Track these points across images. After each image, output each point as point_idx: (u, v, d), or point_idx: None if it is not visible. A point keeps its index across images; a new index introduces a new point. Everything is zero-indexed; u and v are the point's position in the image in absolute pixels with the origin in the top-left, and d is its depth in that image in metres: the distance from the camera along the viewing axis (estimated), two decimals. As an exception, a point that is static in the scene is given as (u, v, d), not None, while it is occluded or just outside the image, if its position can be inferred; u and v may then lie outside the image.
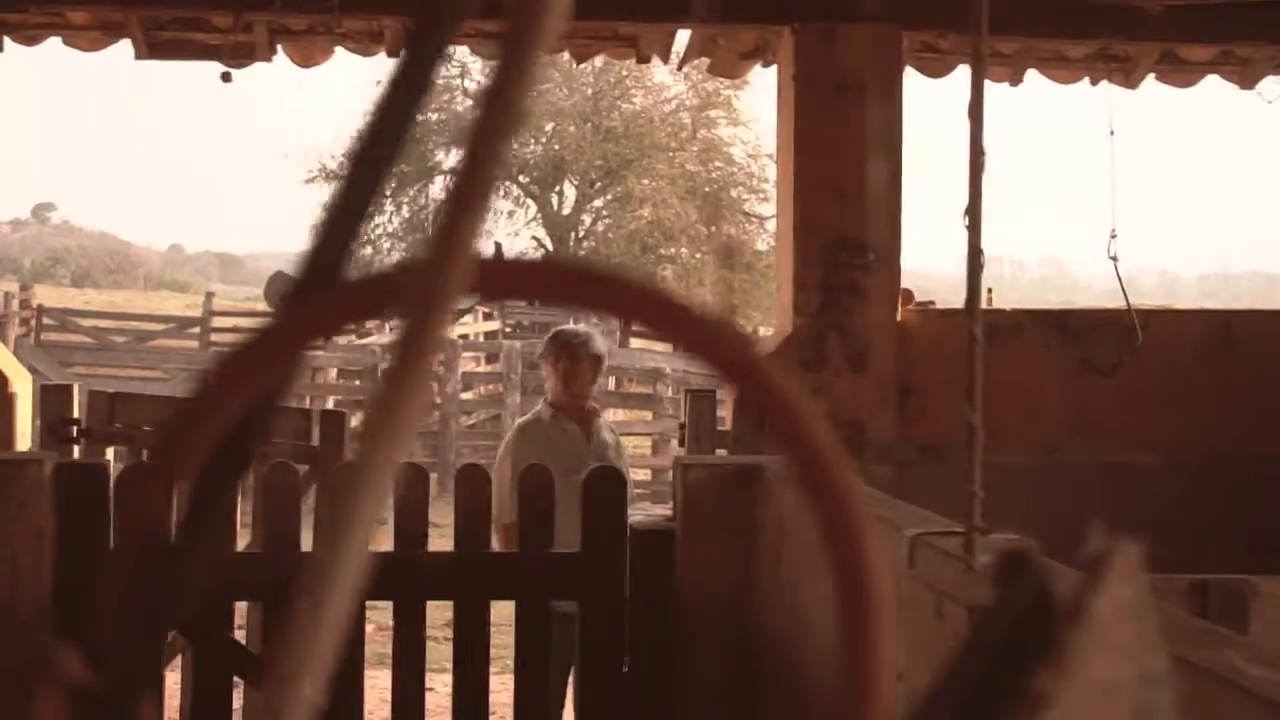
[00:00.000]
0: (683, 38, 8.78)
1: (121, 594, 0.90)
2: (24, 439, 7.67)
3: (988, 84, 9.10)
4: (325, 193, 42.34)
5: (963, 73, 9.09)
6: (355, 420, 7.95)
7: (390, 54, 8.66)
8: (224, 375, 0.85)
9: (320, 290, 0.85)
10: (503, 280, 0.85)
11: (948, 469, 7.69)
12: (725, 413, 8.36)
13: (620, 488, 5.57)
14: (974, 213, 3.14)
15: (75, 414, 7.68)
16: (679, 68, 9.84)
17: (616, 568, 5.45)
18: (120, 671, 0.90)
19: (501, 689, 6.38)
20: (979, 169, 3.14)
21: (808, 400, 0.88)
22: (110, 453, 7.74)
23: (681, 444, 8.08)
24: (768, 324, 40.86)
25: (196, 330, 38.16)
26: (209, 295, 42.79)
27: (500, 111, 0.76)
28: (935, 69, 9.01)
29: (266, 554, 5.49)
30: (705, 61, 9.19)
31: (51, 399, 7.66)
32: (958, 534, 3.48)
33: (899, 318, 8.01)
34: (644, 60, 9.02)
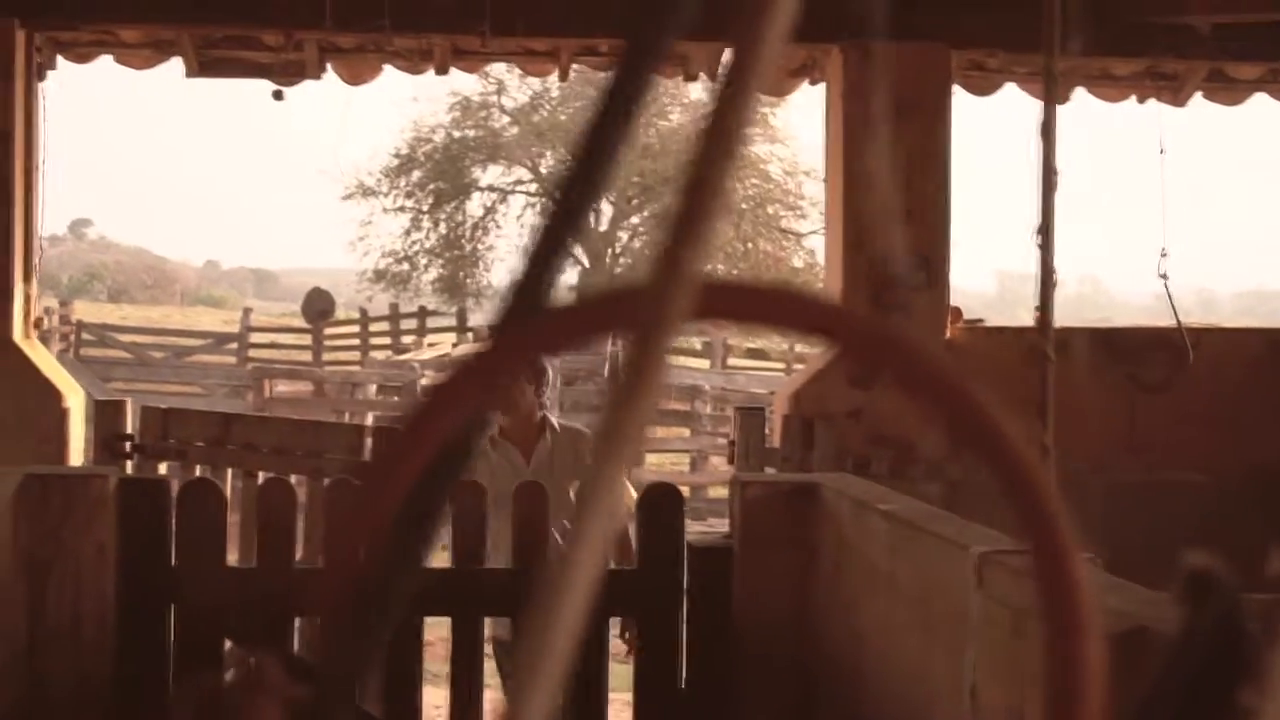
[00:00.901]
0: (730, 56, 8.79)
1: (331, 612, 0.92)
2: (76, 454, 7.72)
3: (1031, 101, 9.09)
4: (362, 209, 42.52)
5: (1007, 91, 9.11)
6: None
7: (439, 71, 8.71)
8: (438, 398, 0.87)
9: (527, 315, 0.87)
10: (726, 304, 0.87)
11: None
12: (773, 430, 8.37)
13: (677, 505, 5.58)
14: (1047, 231, 3.15)
15: (128, 429, 7.73)
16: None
17: (673, 584, 5.46)
18: (330, 687, 0.92)
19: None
20: (1051, 188, 3.15)
21: (1026, 443, 0.89)
22: (163, 467, 7.79)
23: (730, 461, 8.09)
24: (805, 342, 40.78)
25: (234, 346, 38.32)
26: (246, 311, 42.94)
27: (722, 135, 0.78)
28: (982, 87, 9.03)
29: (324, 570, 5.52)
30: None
31: (105, 414, 7.71)
32: (1026, 552, 3.49)
33: (948, 335, 8.01)
34: (692, 79, 9.05)
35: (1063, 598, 0.89)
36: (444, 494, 0.90)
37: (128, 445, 7.68)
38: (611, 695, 5.68)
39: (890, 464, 7.88)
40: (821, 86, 8.56)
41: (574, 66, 8.93)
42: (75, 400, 7.65)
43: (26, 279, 7.71)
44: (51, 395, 7.53)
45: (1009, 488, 0.90)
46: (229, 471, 7.78)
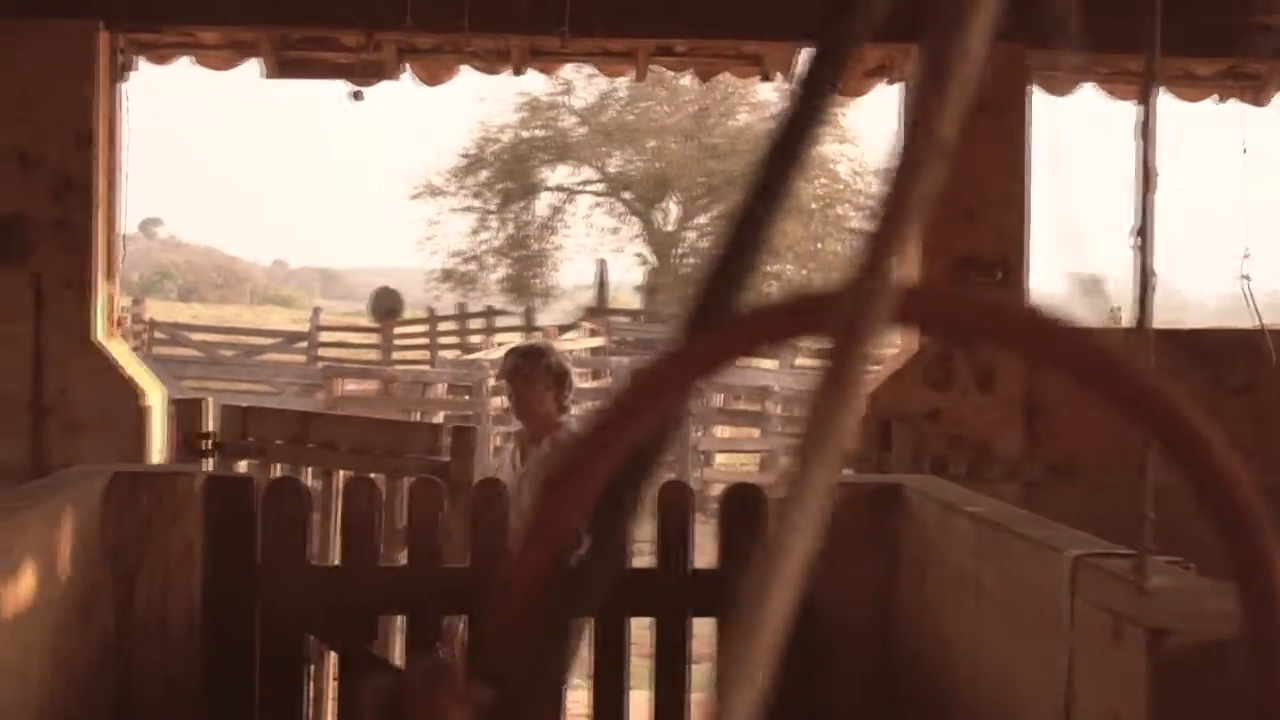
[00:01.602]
0: (806, 56, 8.77)
1: (522, 612, 0.92)
2: (156, 452, 7.77)
3: (1112, 101, 9.01)
4: (430, 208, 42.69)
5: (1085, 91, 9.04)
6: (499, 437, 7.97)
7: (516, 72, 8.72)
8: (630, 400, 0.87)
9: (714, 320, 0.87)
10: (925, 311, 0.86)
11: (1077, 488, 7.68)
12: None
13: (761, 505, 5.57)
14: (1145, 232, 3.13)
15: (208, 427, 7.78)
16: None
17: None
18: (521, 688, 0.92)
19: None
20: (1150, 188, 3.13)
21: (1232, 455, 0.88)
22: (242, 465, 7.84)
23: (806, 462, 8.05)
24: (874, 342, 40.63)
25: (303, 345, 38.54)
26: (316, 310, 43.19)
27: (924, 142, 0.77)
28: (1060, 87, 8.95)
29: (410, 568, 5.55)
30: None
31: (185, 412, 7.76)
32: (1122, 555, 3.46)
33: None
34: (768, 79, 9.02)
35: (1270, 600, 0.88)
36: (635, 496, 0.90)
37: (207, 443, 7.73)
38: (694, 695, 5.68)
39: (968, 465, 7.84)
40: (897, 86, 8.52)
41: (651, 67, 8.91)
42: (156, 398, 7.69)
43: (108, 278, 7.76)
44: (132, 393, 7.57)
45: (1211, 495, 0.89)
46: (307, 470, 7.82)
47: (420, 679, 0.96)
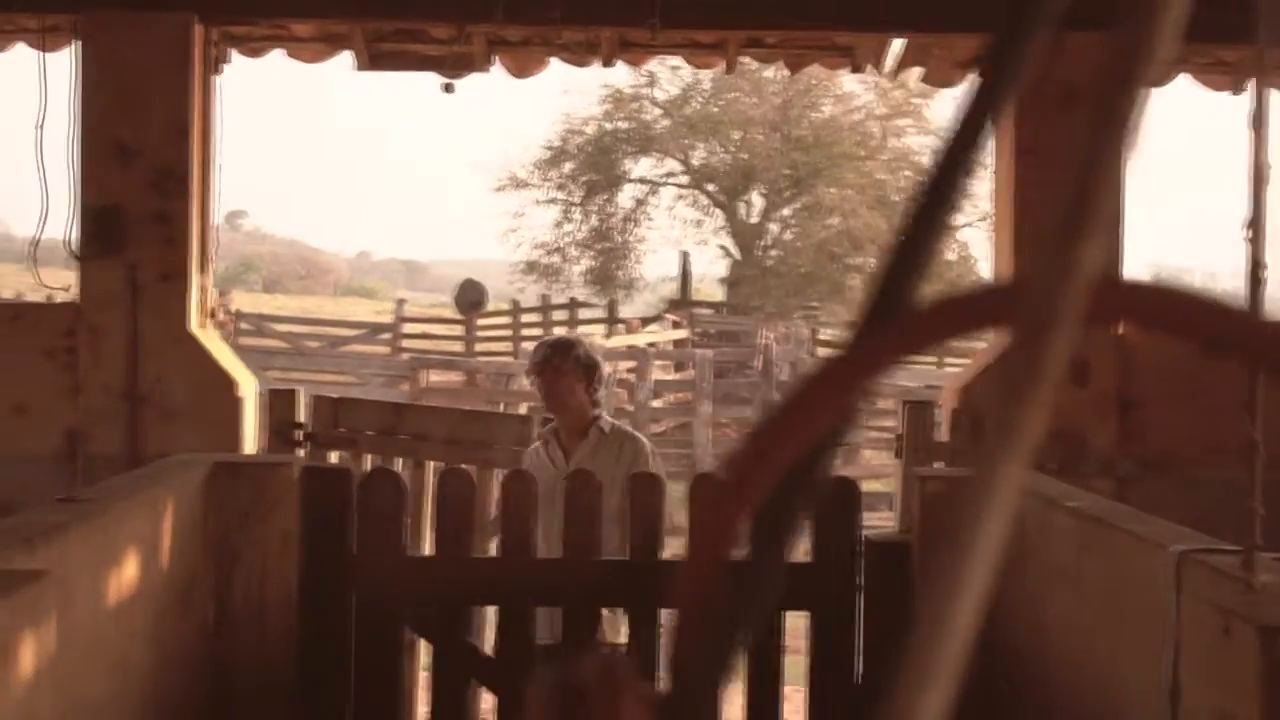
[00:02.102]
0: (896, 47, 8.73)
1: (692, 611, 0.91)
2: (249, 442, 7.83)
3: (1206, 92, 8.88)
4: (513, 201, 42.83)
5: (1183, 83, 8.94)
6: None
7: (605, 63, 8.72)
8: (805, 395, 0.86)
9: (892, 313, 0.85)
10: (1122, 303, 0.85)
11: (1171, 483, 7.60)
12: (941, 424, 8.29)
13: (855, 499, 5.55)
14: (1257, 225, 3.08)
15: (300, 418, 7.82)
16: (892, 77, 9.78)
17: (848, 579, 5.43)
18: (689, 687, 0.91)
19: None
20: (1262, 181, 3.08)
21: None
22: (334, 456, 7.88)
23: (897, 455, 8.02)
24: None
25: (388, 336, 38.74)
26: (400, 302, 43.40)
27: (1112, 127, 0.76)
28: (1156, 78, 8.85)
29: (505, 559, 5.57)
30: (917, 71, 9.14)
31: (278, 403, 7.81)
32: (1228, 551, 3.42)
33: (1120, 331, 7.89)
34: (858, 70, 8.98)
35: None
36: (809, 493, 0.89)
37: (300, 434, 7.78)
38: (786, 689, 5.66)
39: (1060, 459, 7.77)
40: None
41: (740, 58, 8.89)
42: (248, 389, 7.76)
43: (202, 270, 7.83)
44: (226, 384, 7.64)
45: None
46: (398, 461, 7.85)
47: (594, 677, 0.96)
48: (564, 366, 6.82)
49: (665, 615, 5.82)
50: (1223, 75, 8.82)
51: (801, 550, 5.82)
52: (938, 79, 9.15)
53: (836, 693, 5.47)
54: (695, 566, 0.89)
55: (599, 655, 1.07)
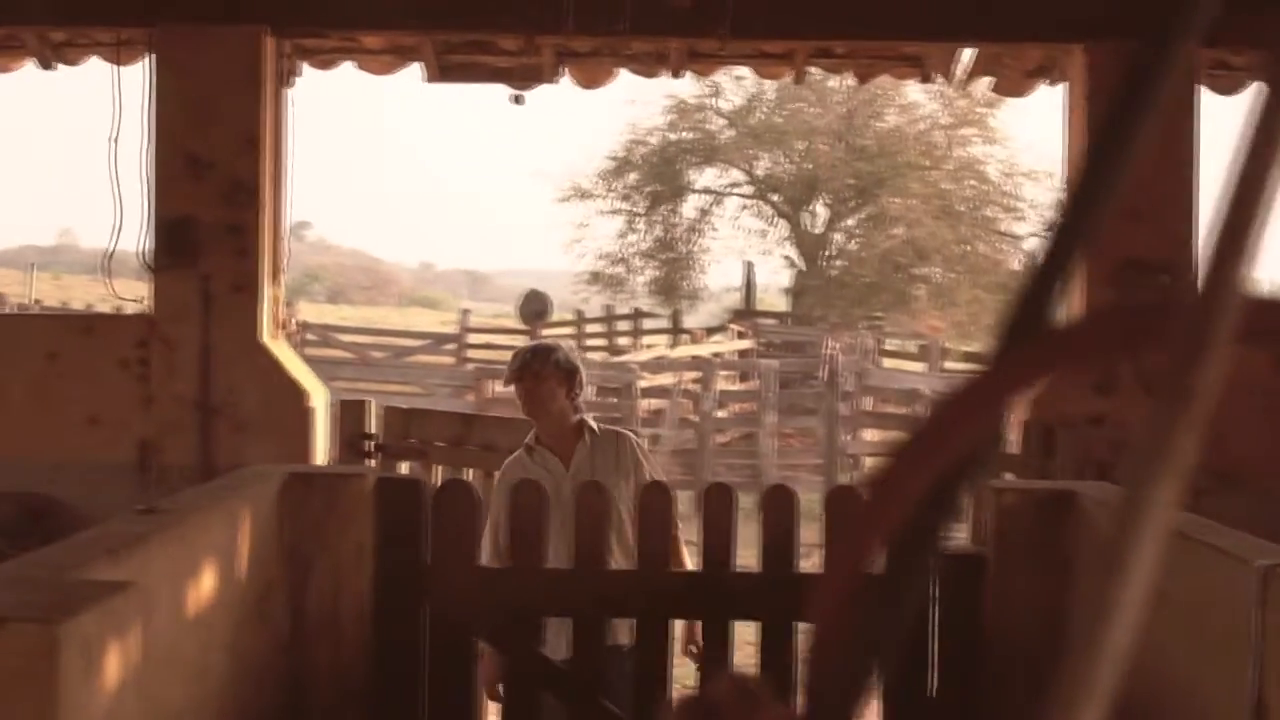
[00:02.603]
0: (966, 56, 8.70)
1: (828, 631, 0.91)
2: (320, 452, 7.88)
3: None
4: (577, 211, 42.91)
5: (1253, 91, 8.86)
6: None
7: (674, 74, 8.73)
8: (946, 414, 0.86)
9: (1031, 331, 0.85)
10: (1275, 323, 0.84)
11: (1245, 496, 7.53)
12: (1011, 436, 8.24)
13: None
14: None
15: (371, 428, 7.86)
16: (962, 87, 9.74)
17: (922, 591, 5.41)
18: (826, 706, 0.91)
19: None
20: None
21: None
22: (404, 467, 7.91)
23: (967, 466, 7.96)
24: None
25: (452, 346, 38.87)
26: (464, 312, 43.53)
27: (1269, 143, 0.75)
28: (1226, 86, 8.80)
29: (576, 571, 5.57)
30: (985, 80, 9.11)
31: (349, 414, 7.85)
32: (1312, 566, 3.39)
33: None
34: (927, 80, 8.96)
35: None
36: (951, 510, 0.88)
37: (370, 444, 7.82)
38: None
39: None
40: (1060, 88, 8.42)
41: (808, 69, 8.89)
42: (319, 399, 7.80)
43: (273, 280, 7.88)
44: (297, 394, 7.69)
45: None
46: (467, 471, 7.87)
47: (729, 697, 0.95)
48: (544, 372, 6.74)
49: (739, 627, 5.82)
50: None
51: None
52: (1008, 89, 9.11)
53: (910, 706, 5.43)
54: (831, 584, 0.88)
55: (734, 675, 1.07)
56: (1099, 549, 4.82)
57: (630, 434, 7.07)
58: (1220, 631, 3.81)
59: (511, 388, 6.90)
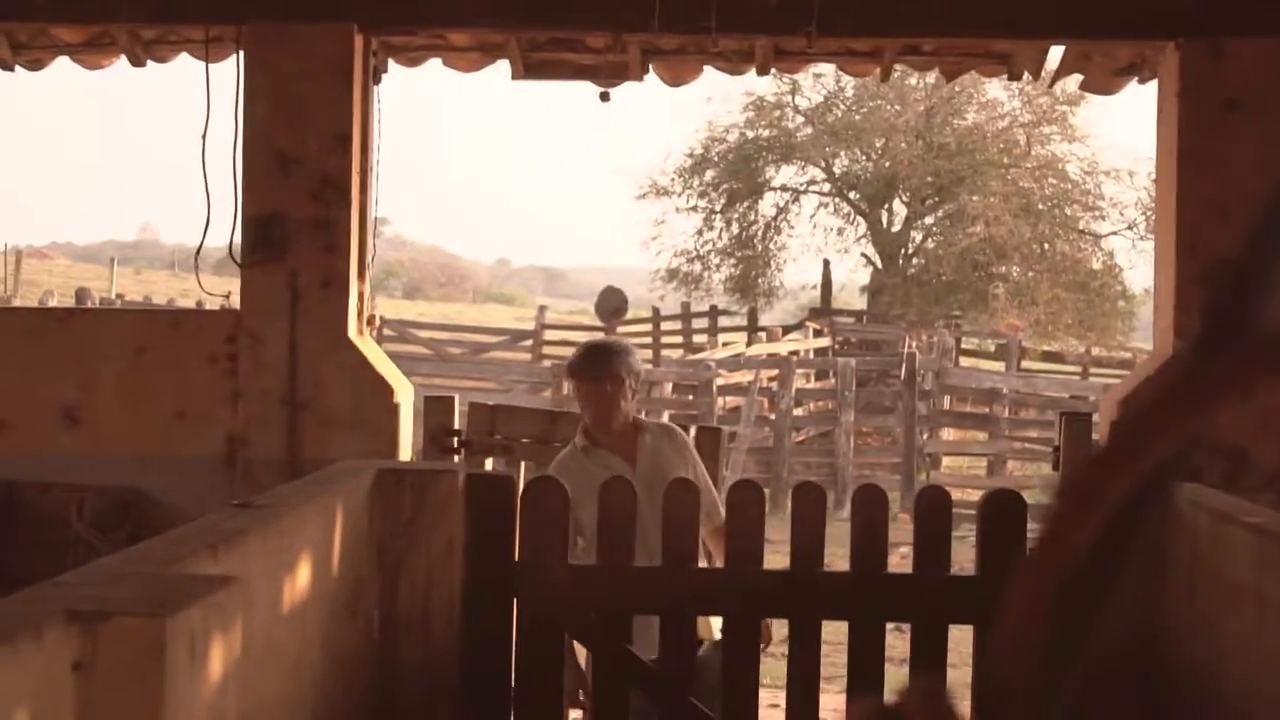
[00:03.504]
0: (1054, 54, 8.63)
1: (1024, 637, 0.90)
2: (406, 448, 7.90)
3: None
4: (655, 208, 42.90)
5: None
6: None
7: (760, 72, 8.70)
8: (1149, 418, 0.84)
9: (1233, 339, 0.82)
10: None
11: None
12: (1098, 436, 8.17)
13: (1022, 512, 5.48)
14: None
15: (456, 425, 7.88)
16: (1050, 85, 9.67)
17: (1014, 593, 5.37)
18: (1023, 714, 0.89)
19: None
20: None
21: None
22: (489, 463, 7.92)
23: (1055, 468, 7.93)
24: (1102, 345, 39.97)
25: (529, 343, 39.00)
26: (541, 309, 43.66)
27: None
28: (1319, 84, 8.68)
29: (666, 569, 5.56)
30: (1077, 78, 9.04)
31: (434, 410, 7.87)
32: None
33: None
34: (1015, 78, 8.89)
35: None
36: (1144, 525, 0.86)
37: (455, 441, 7.83)
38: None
39: (1222, 473, 7.63)
40: (1150, 85, 8.33)
41: (895, 66, 8.83)
42: (405, 396, 7.82)
43: (361, 277, 7.91)
44: (384, 390, 7.71)
45: None
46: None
47: (916, 704, 0.94)
48: (620, 373, 6.70)
49: (826, 627, 5.80)
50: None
51: (966, 563, 5.77)
52: (1097, 86, 9.02)
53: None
54: (1024, 593, 0.87)
55: (920, 681, 1.05)
56: (1195, 552, 4.77)
57: (677, 426, 7.06)
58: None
59: (574, 382, 6.89)
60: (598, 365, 6.75)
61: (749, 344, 33.12)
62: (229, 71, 7.84)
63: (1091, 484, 0.85)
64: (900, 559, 7.00)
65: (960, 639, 5.69)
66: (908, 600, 5.49)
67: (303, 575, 4.12)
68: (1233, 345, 0.83)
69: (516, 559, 5.45)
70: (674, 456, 6.63)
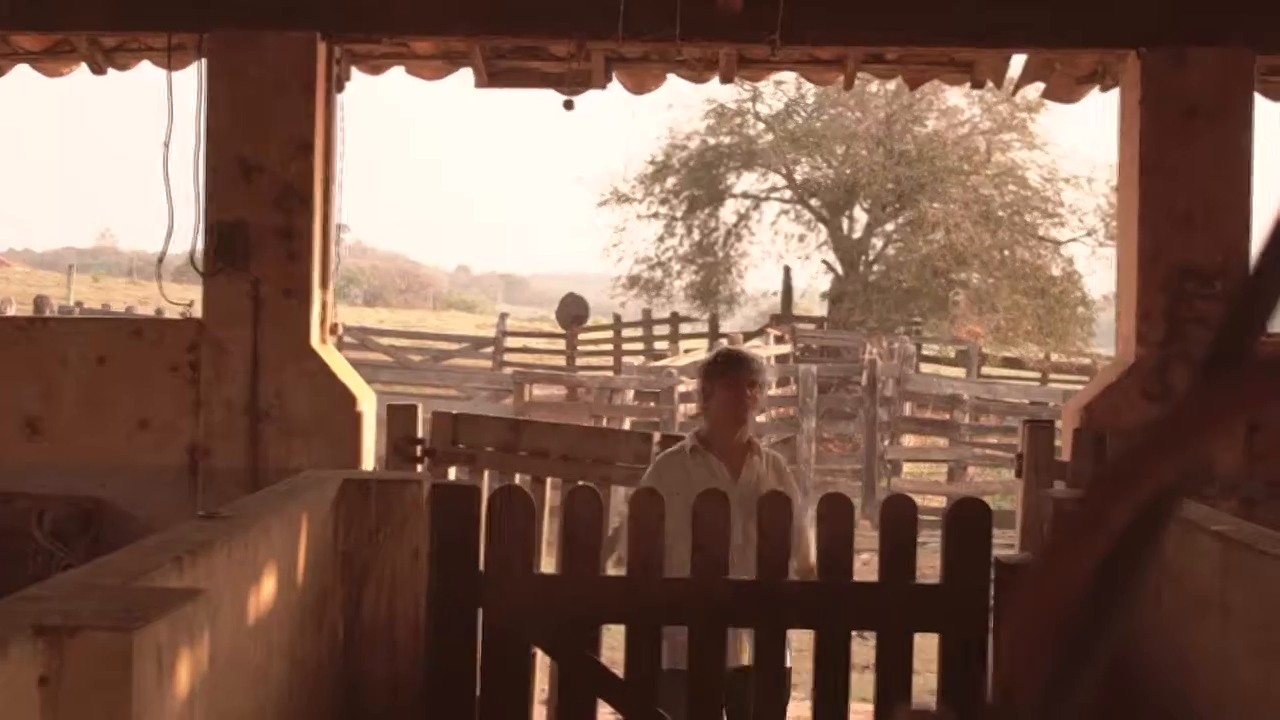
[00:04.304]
0: (1016, 62, 8.66)
1: (1024, 667, 0.89)
2: (369, 457, 7.87)
3: None
4: (616, 215, 42.91)
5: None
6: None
7: (724, 80, 8.71)
8: (1151, 443, 0.83)
9: (1238, 358, 0.82)
10: None
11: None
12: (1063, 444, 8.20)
13: (986, 521, 5.49)
14: None
15: (419, 433, 7.85)
16: (1012, 93, 9.70)
17: (979, 600, 5.38)
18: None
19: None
20: None
21: None
22: (452, 472, 7.89)
23: (1018, 474, 7.94)
24: (1061, 351, 40.12)
25: (490, 350, 38.91)
26: (503, 316, 43.60)
27: None
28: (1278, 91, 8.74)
29: (631, 579, 5.55)
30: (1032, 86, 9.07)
31: (397, 419, 7.84)
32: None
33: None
34: (978, 86, 8.91)
35: None
36: (1149, 550, 0.86)
37: (419, 449, 7.80)
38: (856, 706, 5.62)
39: (1185, 481, 7.66)
40: (1112, 94, 8.37)
41: (858, 74, 8.84)
42: (368, 404, 7.79)
43: (323, 285, 7.88)
44: (347, 399, 7.68)
45: None
46: (516, 477, 7.84)
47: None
48: (758, 380, 6.61)
49: (793, 636, 5.79)
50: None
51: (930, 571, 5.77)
52: (1059, 95, 9.06)
53: (966, 715, 5.40)
54: (1033, 613, 0.86)
55: (912, 709, 1.04)
56: (1161, 559, 4.79)
57: (783, 458, 6.96)
58: (1289, 645, 3.77)
59: (710, 384, 6.61)
60: (741, 369, 6.58)
61: (710, 351, 33.11)
62: (191, 79, 7.81)
63: (1093, 510, 0.84)
64: (862, 565, 7.01)
65: (925, 646, 5.70)
66: (874, 609, 5.49)
67: (268, 587, 4.10)
68: (1235, 368, 0.82)
69: (481, 569, 5.42)
70: (776, 479, 6.41)
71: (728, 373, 6.60)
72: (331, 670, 5.01)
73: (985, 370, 36.53)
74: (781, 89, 40.57)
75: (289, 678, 4.41)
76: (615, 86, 8.78)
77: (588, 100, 8.76)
